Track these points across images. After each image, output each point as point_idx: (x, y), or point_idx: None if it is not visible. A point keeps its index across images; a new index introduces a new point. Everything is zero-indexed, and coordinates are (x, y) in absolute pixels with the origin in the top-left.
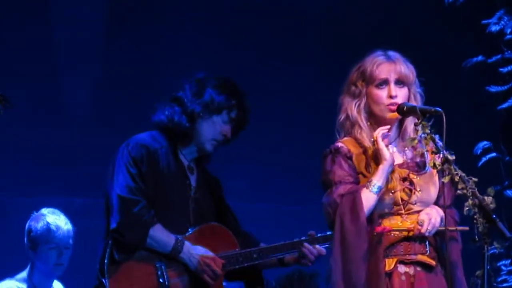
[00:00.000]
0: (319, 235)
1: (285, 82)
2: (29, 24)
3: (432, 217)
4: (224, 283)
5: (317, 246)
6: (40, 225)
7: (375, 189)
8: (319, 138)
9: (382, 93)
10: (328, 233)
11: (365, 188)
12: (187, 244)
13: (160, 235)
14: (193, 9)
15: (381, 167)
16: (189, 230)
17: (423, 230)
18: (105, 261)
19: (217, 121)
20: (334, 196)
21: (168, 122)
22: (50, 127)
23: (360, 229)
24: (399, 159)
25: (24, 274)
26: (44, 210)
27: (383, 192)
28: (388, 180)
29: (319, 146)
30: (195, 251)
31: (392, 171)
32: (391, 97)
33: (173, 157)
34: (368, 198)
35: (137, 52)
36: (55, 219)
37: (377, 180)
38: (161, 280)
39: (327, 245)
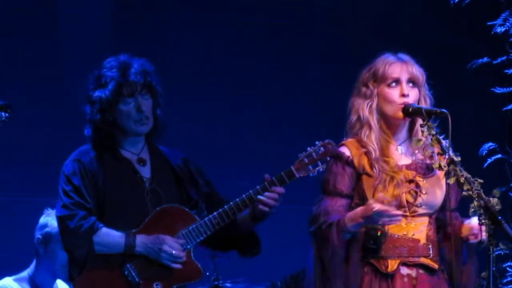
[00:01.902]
0: (273, 178)
1: (289, 83)
2: (34, 26)
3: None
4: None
5: (275, 188)
6: (56, 223)
7: (347, 235)
8: (323, 138)
9: (394, 92)
10: (281, 172)
11: (340, 224)
12: (139, 237)
13: (107, 238)
14: (195, 10)
15: (358, 219)
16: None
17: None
18: (71, 273)
19: (123, 107)
20: (319, 210)
21: (94, 136)
22: (55, 127)
23: (335, 253)
24: (407, 160)
25: (25, 273)
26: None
27: (388, 193)
28: (393, 182)
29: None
30: (149, 241)
31: (398, 173)
32: (403, 95)
33: (113, 159)
34: (342, 233)
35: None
36: None
37: (352, 226)
38: (130, 278)
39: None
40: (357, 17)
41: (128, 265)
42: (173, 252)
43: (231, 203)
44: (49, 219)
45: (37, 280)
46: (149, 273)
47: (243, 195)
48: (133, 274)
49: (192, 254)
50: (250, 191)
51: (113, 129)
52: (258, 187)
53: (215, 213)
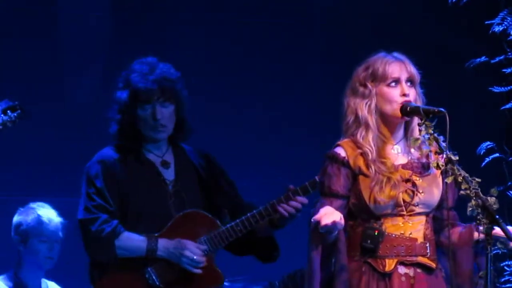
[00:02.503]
0: (297, 187)
1: (289, 82)
2: (34, 26)
3: None
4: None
5: (299, 198)
6: (30, 218)
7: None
8: (324, 137)
9: (394, 92)
10: (306, 183)
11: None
12: (161, 241)
13: (129, 242)
14: (195, 10)
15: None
16: (164, 227)
17: None
18: (92, 275)
19: (141, 113)
20: (314, 212)
21: (120, 134)
22: (52, 128)
23: (312, 265)
24: (404, 160)
25: (11, 272)
26: (32, 204)
27: (384, 194)
28: (390, 182)
29: (324, 146)
30: (171, 245)
31: (395, 174)
32: (404, 95)
33: (137, 161)
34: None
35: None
36: (46, 212)
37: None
38: (150, 282)
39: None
40: (356, 17)
41: (149, 269)
42: (194, 257)
43: (254, 211)
44: (22, 217)
45: (21, 276)
46: (170, 277)
47: (266, 204)
48: (154, 277)
49: (214, 260)
50: (274, 200)
51: (135, 130)
52: (281, 196)
53: (237, 220)
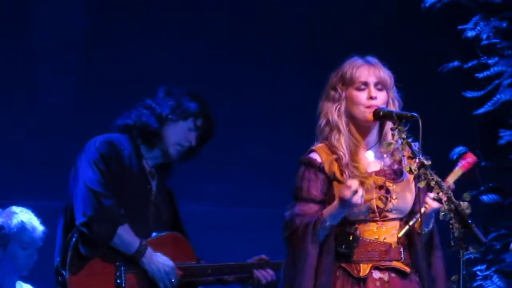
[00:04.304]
0: (272, 261)
1: (266, 85)
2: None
3: None
4: None
5: (269, 270)
6: (14, 222)
7: (327, 228)
8: (300, 141)
9: (362, 95)
10: (279, 260)
11: (318, 223)
12: (150, 250)
13: (127, 235)
14: (172, 10)
15: (335, 207)
16: (152, 235)
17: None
18: (68, 253)
19: (183, 126)
20: (294, 214)
21: (135, 124)
22: (25, 131)
23: (306, 261)
24: (377, 166)
25: None
26: (15, 208)
27: None
28: (363, 189)
29: (300, 149)
30: (156, 258)
31: (368, 179)
32: (371, 98)
33: (136, 160)
34: (319, 232)
35: (118, 53)
36: (29, 219)
37: (330, 219)
38: (118, 281)
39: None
40: (330, 21)
41: (123, 267)
42: (174, 280)
43: (229, 263)
44: (3, 220)
45: None
46: (136, 284)
47: (239, 262)
48: (123, 278)
49: None
50: (248, 261)
51: (161, 128)
52: (255, 262)
53: (212, 264)
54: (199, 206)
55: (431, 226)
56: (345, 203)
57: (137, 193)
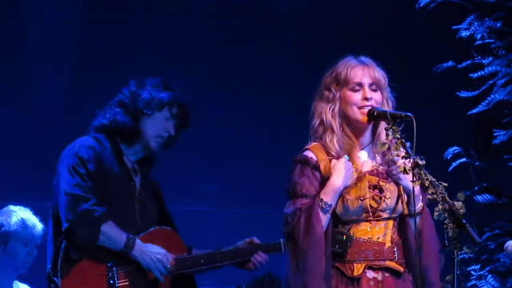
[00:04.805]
0: (263, 243)
1: (266, 85)
2: None
3: None
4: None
5: (263, 254)
6: (13, 220)
7: (326, 208)
8: (299, 141)
9: (356, 96)
10: (271, 241)
11: (317, 206)
12: (138, 242)
13: (113, 231)
14: (165, 10)
15: (330, 185)
16: (140, 231)
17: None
18: (59, 259)
19: (159, 117)
20: (296, 208)
21: (111, 124)
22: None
23: (316, 241)
24: (370, 166)
25: None
26: (14, 207)
27: (351, 200)
28: (357, 188)
29: (298, 150)
30: (147, 248)
31: (362, 179)
32: (365, 99)
33: (117, 159)
34: (321, 216)
35: (111, 54)
36: (29, 216)
37: (328, 199)
38: (111, 281)
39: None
40: (324, 21)
41: (114, 268)
42: (167, 265)
43: (220, 250)
44: (3, 219)
45: None
46: (128, 282)
47: (230, 248)
48: (115, 277)
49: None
50: (239, 246)
51: (137, 124)
52: (247, 247)
53: (203, 253)
54: (197, 206)
55: (419, 206)
56: (340, 167)
57: (121, 191)
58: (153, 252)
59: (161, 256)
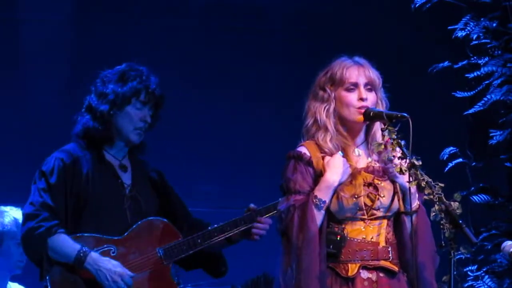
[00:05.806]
0: (260, 207)
1: (261, 85)
2: None
3: None
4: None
5: (264, 219)
6: (7, 220)
7: (320, 205)
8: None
9: (352, 96)
10: (269, 204)
11: (311, 203)
12: (92, 255)
13: (61, 245)
14: (163, 8)
15: (325, 182)
16: (125, 232)
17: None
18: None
19: (131, 110)
20: (290, 205)
21: (85, 131)
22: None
23: (310, 239)
24: (365, 163)
25: None
26: (4, 207)
27: (346, 198)
28: (352, 186)
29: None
30: (103, 264)
31: (357, 176)
32: (361, 99)
33: (99, 160)
34: (315, 212)
35: (107, 55)
36: (21, 216)
37: (322, 196)
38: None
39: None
40: (319, 22)
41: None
42: (124, 287)
43: (215, 225)
44: None
45: None
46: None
47: (228, 221)
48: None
49: (170, 270)
50: (236, 218)
51: (110, 126)
52: (243, 215)
53: (199, 233)
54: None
55: (415, 204)
56: (334, 163)
57: (107, 192)
58: (108, 270)
59: (116, 277)
